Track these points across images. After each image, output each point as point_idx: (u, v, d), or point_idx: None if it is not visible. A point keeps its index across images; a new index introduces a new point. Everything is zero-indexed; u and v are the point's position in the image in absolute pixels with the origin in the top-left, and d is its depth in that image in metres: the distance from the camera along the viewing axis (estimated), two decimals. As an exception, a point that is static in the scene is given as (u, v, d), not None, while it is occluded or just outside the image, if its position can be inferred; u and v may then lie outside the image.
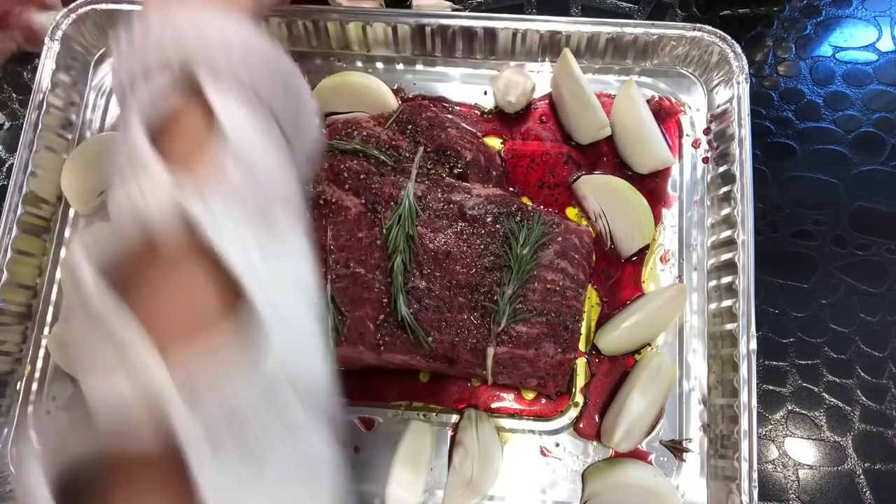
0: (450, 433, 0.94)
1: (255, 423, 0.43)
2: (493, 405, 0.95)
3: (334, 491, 0.47)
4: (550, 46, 1.07)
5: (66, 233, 1.04)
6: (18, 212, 0.98)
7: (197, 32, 0.54)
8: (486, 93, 1.09)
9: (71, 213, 1.04)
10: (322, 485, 0.47)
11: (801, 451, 0.96)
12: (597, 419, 0.94)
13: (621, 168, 1.04)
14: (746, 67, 1.02)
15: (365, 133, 0.94)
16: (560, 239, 0.89)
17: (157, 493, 0.43)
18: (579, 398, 0.95)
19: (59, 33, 1.06)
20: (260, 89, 0.55)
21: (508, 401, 0.96)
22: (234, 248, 0.46)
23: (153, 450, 0.41)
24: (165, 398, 0.41)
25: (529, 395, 0.96)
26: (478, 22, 1.05)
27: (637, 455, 0.93)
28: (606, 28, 1.04)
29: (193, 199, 0.47)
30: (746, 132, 0.99)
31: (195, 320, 0.47)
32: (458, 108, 1.08)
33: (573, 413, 0.95)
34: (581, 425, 0.94)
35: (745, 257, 0.93)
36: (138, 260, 0.48)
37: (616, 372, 0.96)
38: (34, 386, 0.97)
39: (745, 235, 0.94)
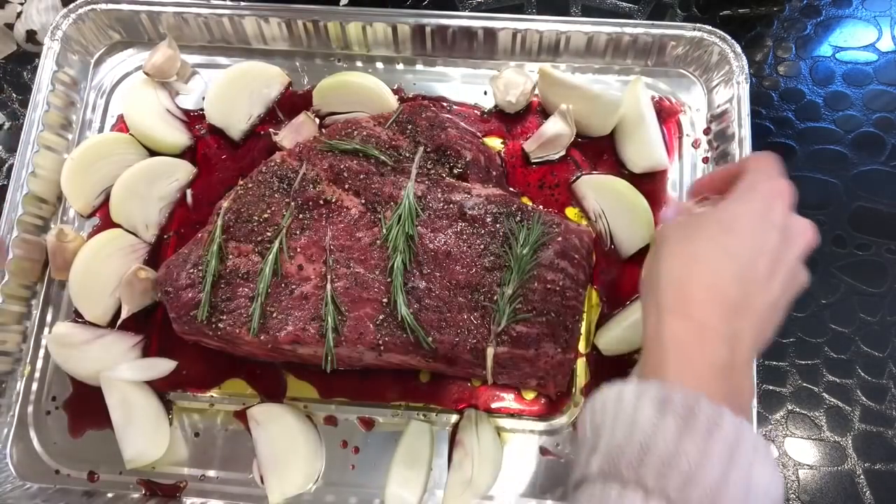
0: (450, 433, 0.94)
1: None
2: (493, 405, 0.95)
3: None
4: (550, 46, 1.08)
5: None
6: (18, 212, 0.99)
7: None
8: (486, 93, 1.09)
9: (71, 212, 1.04)
10: None
11: (801, 451, 0.95)
12: (597, 419, 0.94)
13: (617, 167, 1.04)
14: (746, 67, 1.02)
15: (365, 133, 0.94)
16: (560, 239, 0.89)
17: None
18: (579, 398, 0.95)
19: (59, 33, 1.06)
20: None
21: (508, 401, 0.96)
22: None
23: None
24: None
25: (529, 395, 0.96)
26: (478, 22, 1.05)
27: (637, 455, 0.93)
28: (606, 28, 1.04)
29: None
30: (746, 132, 0.99)
31: None
32: (457, 108, 1.08)
33: (573, 413, 0.95)
34: (581, 425, 0.94)
35: (745, 257, 0.93)
36: None
37: (616, 372, 0.96)
38: (34, 386, 0.97)
39: (745, 235, 0.94)
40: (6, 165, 1.12)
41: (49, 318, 1.00)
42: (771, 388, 0.98)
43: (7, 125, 1.14)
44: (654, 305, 0.65)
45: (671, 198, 1.03)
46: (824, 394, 0.98)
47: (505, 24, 1.05)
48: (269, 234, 0.89)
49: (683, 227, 0.69)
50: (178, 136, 1.06)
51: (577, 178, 1.03)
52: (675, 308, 0.63)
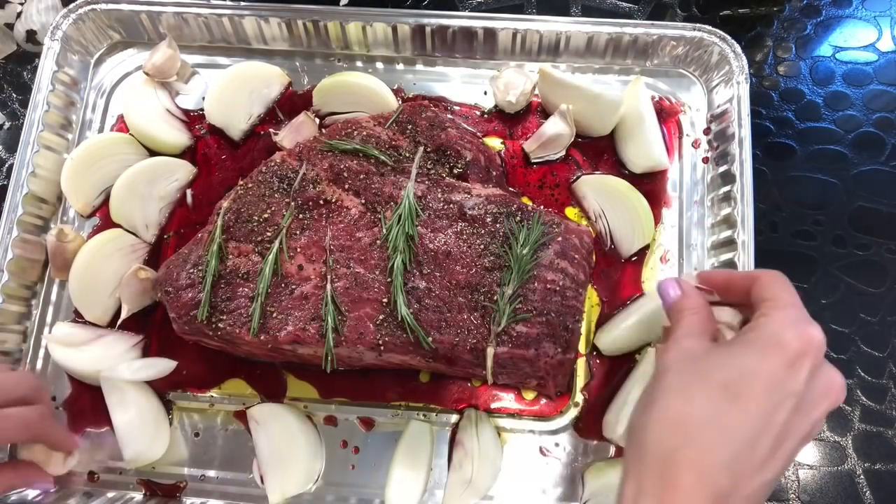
0: (450, 433, 0.94)
1: None
2: (493, 405, 0.95)
3: None
4: (550, 46, 1.08)
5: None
6: (18, 212, 0.99)
7: None
8: (486, 93, 1.09)
9: (71, 212, 1.04)
10: None
11: (802, 451, 0.95)
12: (597, 419, 0.94)
13: (617, 167, 1.04)
14: (746, 67, 1.02)
15: (365, 133, 0.94)
16: (560, 239, 0.89)
17: None
18: (579, 398, 0.95)
19: (59, 33, 1.06)
20: None
21: (508, 401, 0.96)
22: None
23: None
24: None
25: (529, 395, 0.96)
26: (478, 22, 1.05)
27: (637, 455, 0.92)
28: (606, 28, 1.05)
29: None
30: (746, 132, 0.99)
31: None
32: (458, 108, 1.08)
33: (573, 413, 0.95)
34: (581, 425, 0.94)
35: (745, 257, 0.93)
36: None
37: (616, 372, 0.96)
38: (34, 386, 0.97)
39: (745, 235, 0.94)
40: (6, 165, 1.12)
41: (49, 318, 1.00)
42: (771, 388, 0.98)
43: (7, 125, 1.14)
44: (635, 474, 0.59)
45: (672, 196, 1.03)
46: (824, 394, 0.98)
47: (505, 24, 1.05)
48: (269, 234, 0.89)
49: (688, 367, 0.62)
50: (178, 136, 1.06)
51: (577, 178, 1.03)
52: (656, 491, 0.57)
